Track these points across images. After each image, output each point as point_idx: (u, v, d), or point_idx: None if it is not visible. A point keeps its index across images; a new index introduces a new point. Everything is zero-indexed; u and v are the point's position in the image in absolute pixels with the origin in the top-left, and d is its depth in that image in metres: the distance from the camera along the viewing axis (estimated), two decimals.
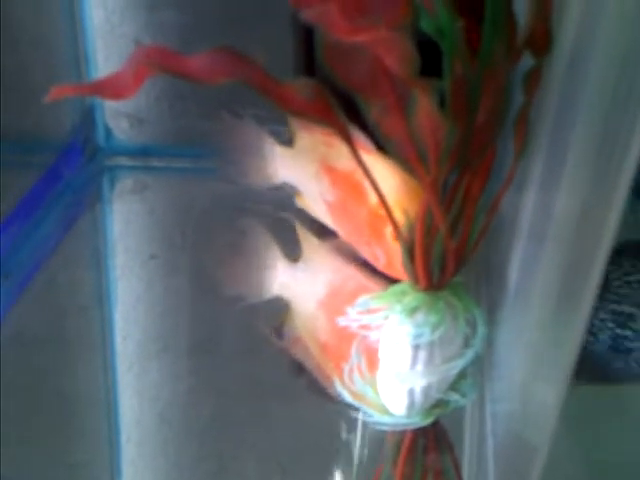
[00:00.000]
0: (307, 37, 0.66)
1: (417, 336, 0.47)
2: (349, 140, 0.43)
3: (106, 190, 0.84)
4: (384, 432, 0.67)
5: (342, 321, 0.51)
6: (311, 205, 0.67)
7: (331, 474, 0.81)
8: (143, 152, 0.84)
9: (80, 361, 0.81)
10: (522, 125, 0.43)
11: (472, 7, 0.40)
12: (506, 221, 0.50)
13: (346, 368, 0.53)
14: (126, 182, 0.85)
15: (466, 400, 0.51)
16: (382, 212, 0.54)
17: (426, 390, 0.49)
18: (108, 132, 0.83)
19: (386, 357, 0.50)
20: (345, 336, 0.57)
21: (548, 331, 0.36)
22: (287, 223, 0.72)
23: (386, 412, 0.52)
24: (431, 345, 0.48)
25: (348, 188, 0.59)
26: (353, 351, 0.53)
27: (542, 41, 0.40)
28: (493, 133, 0.42)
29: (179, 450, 0.78)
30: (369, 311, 0.50)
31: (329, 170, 0.61)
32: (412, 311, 0.48)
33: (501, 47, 0.40)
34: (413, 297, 0.48)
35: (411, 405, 0.50)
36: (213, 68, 0.40)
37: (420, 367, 0.48)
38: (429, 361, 0.48)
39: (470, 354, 0.49)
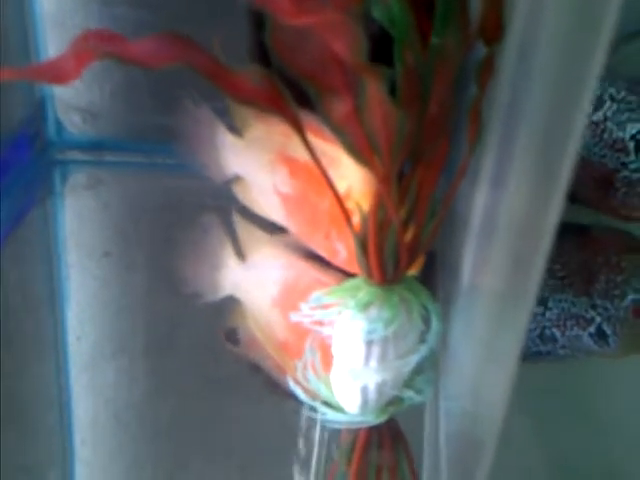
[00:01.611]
0: (260, 26, 0.65)
1: (370, 332, 0.47)
2: (300, 129, 0.42)
3: (57, 185, 0.83)
4: (340, 430, 0.67)
5: (295, 317, 0.50)
6: (256, 199, 0.66)
7: (289, 473, 0.80)
8: (96, 146, 0.83)
9: (31, 362, 0.79)
10: (475, 116, 0.42)
11: None
12: (460, 215, 0.50)
13: (299, 365, 0.52)
14: (78, 177, 0.83)
15: (421, 397, 0.50)
16: (348, 204, 0.54)
17: (380, 387, 0.49)
18: (59, 126, 0.81)
19: (339, 353, 0.49)
20: (305, 332, 0.56)
21: (495, 325, 0.35)
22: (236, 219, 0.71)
23: (340, 410, 0.51)
24: (385, 341, 0.47)
25: (308, 179, 0.59)
26: (307, 348, 0.52)
27: (494, 30, 0.40)
28: (445, 124, 0.42)
29: (135, 452, 0.77)
30: (322, 306, 0.50)
31: (288, 161, 0.60)
32: (365, 306, 0.47)
33: (453, 36, 0.39)
34: (366, 292, 0.47)
35: (365, 403, 0.49)
36: (158, 52, 0.39)
37: (373, 363, 0.48)
38: (382, 357, 0.48)
39: (424, 350, 0.48)
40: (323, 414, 0.51)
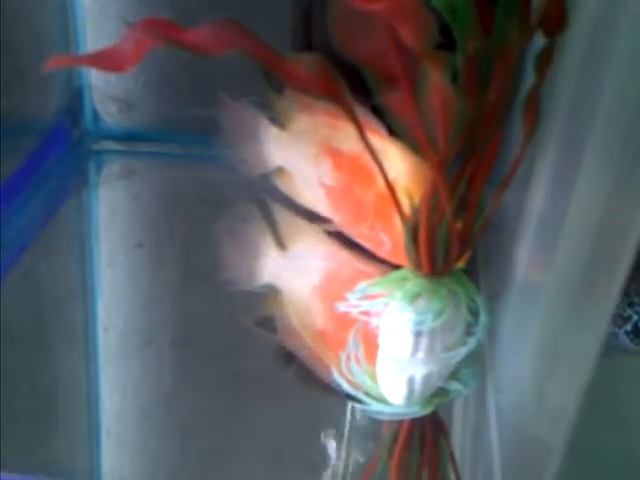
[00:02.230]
0: (305, 17, 0.65)
1: (418, 323, 0.47)
2: (354, 118, 0.42)
3: (92, 175, 0.83)
4: (375, 423, 0.66)
5: (341, 307, 0.50)
6: (300, 190, 0.66)
7: (318, 469, 0.80)
8: (131, 136, 0.83)
9: (61, 353, 0.80)
10: (532, 106, 0.42)
11: None
12: (508, 210, 0.49)
13: (343, 356, 0.52)
14: (113, 167, 0.84)
15: (467, 389, 0.50)
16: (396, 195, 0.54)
17: (426, 379, 0.49)
18: (96, 115, 0.81)
19: (386, 345, 0.49)
20: (345, 323, 0.56)
21: (565, 325, 0.35)
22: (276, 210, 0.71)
23: (384, 401, 0.51)
24: (432, 332, 0.47)
25: (353, 171, 0.59)
26: (350, 339, 0.52)
27: (556, 20, 0.39)
28: (503, 114, 0.42)
29: (160, 445, 0.77)
30: (369, 297, 0.50)
31: (333, 153, 0.60)
32: (413, 297, 0.47)
33: (514, 25, 0.39)
34: (415, 283, 0.47)
35: (410, 394, 0.49)
36: (216, 39, 0.39)
37: (421, 355, 0.48)
38: (430, 349, 0.48)
39: (472, 342, 0.48)
40: (367, 405, 0.51)
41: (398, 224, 0.54)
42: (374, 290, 0.49)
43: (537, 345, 0.39)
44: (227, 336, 0.81)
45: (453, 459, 0.52)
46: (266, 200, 0.72)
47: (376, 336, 0.51)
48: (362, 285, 0.50)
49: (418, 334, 0.47)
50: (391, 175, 0.54)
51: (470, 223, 0.46)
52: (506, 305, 0.48)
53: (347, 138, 0.60)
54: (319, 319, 0.59)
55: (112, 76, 0.82)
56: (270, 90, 0.67)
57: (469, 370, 0.50)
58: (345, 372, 0.52)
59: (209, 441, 0.83)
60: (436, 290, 0.47)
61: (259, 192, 0.73)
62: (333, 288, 0.61)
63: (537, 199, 0.42)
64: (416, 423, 0.52)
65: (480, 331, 0.48)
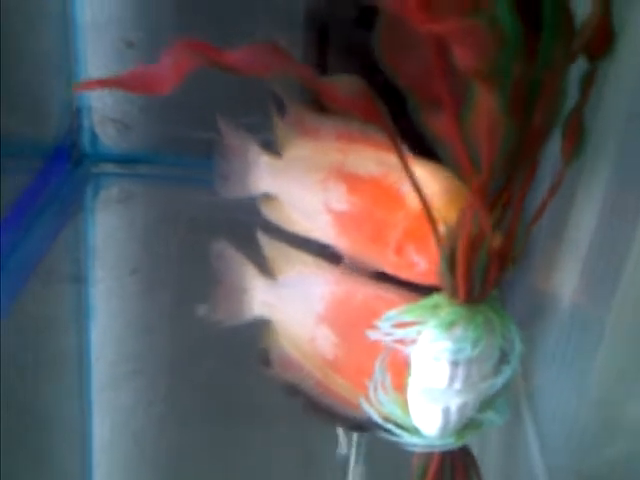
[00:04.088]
0: (319, 38, 0.66)
1: (456, 352, 0.46)
2: (395, 140, 0.42)
3: (90, 199, 0.82)
4: (383, 451, 0.66)
5: (373, 335, 0.49)
6: (293, 218, 0.66)
7: None
8: (129, 159, 0.82)
9: (54, 381, 0.78)
10: (574, 129, 0.42)
11: (527, 5, 0.39)
12: (541, 232, 0.50)
13: (370, 386, 0.52)
14: (111, 190, 0.83)
15: (501, 419, 0.50)
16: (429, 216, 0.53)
17: (461, 409, 0.48)
18: (94, 137, 0.81)
19: (420, 374, 0.48)
20: (362, 349, 0.56)
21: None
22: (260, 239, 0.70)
23: (417, 432, 0.50)
24: (469, 362, 0.47)
25: (374, 194, 0.58)
26: (377, 368, 0.52)
27: (602, 43, 0.40)
28: (546, 137, 0.42)
29: (152, 476, 0.76)
30: (401, 325, 0.49)
31: (345, 177, 0.60)
32: (449, 326, 0.47)
33: (560, 48, 0.39)
34: (450, 310, 0.47)
35: (445, 425, 0.49)
36: (256, 61, 0.39)
37: (458, 385, 0.47)
38: (467, 378, 0.47)
39: (508, 371, 0.48)
40: (398, 437, 0.50)
41: (434, 245, 0.54)
42: (406, 318, 0.49)
43: (598, 377, 0.39)
44: (222, 363, 0.80)
45: None
46: (250, 227, 0.71)
47: (403, 364, 0.51)
48: (393, 312, 0.50)
49: (455, 364, 0.47)
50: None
51: (508, 248, 0.45)
52: (544, 334, 0.48)
53: (363, 161, 0.59)
54: (328, 346, 0.59)
55: (110, 98, 0.82)
56: (275, 112, 0.67)
57: (502, 399, 0.50)
58: (373, 402, 0.52)
59: (201, 471, 0.82)
60: (472, 318, 0.47)
61: (255, 217, 0.72)
62: (344, 314, 0.60)
63: (585, 225, 0.42)
64: (447, 455, 0.51)
65: (515, 360, 0.48)
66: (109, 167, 0.83)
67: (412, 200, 0.56)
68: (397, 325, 0.49)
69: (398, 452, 0.66)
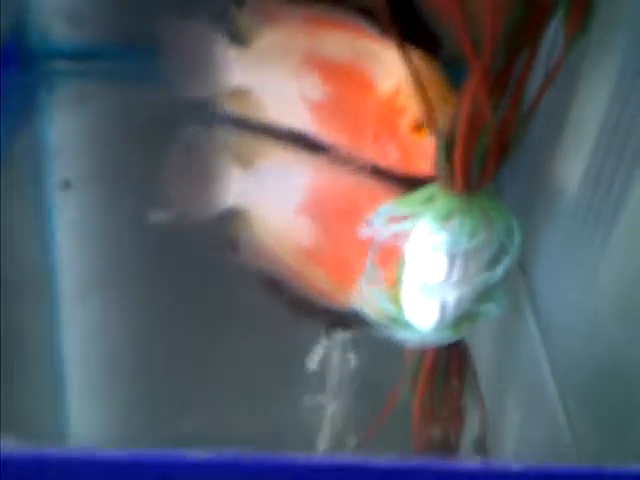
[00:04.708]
0: None
1: (453, 244, 0.45)
2: (392, 26, 0.40)
3: (44, 100, 0.78)
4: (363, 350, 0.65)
5: (366, 231, 0.48)
6: (269, 111, 0.63)
7: (308, 400, 0.79)
8: (83, 55, 0.78)
9: (21, 295, 0.76)
10: (580, 2, 0.40)
11: None
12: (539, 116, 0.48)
13: (361, 282, 0.51)
14: (66, 90, 0.79)
15: (498, 310, 0.49)
16: (397, 103, 0.52)
17: (459, 302, 0.48)
18: (43, 35, 0.76)
19: (415, 268, 0.48)
20: (342, 239, 0.55)
21: None
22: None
23: (411, 327, 0.50)
24: (467, 254, 0.46)
25: (346, 80, 0.56)
26: (368, 262, 0.51)
27: None
28: (551, 14, 0.40)
29: (126, 388, 0.75)
30: (394, 219, 0.48)
31: (318, 64, 0.58)
32: (446, 217, 0.45)
33: None
34: (446, 201, 0.46)
35: (442, 319, 0.48)
36: None
37: (455, 278, 0.47)
38: (464, 271, 0.47)
39: (507, 262, 0.47)
40: (392, 332, 0.50)
41: (405, 132, 0.53)
42: (400, 211, 0.48)
43: (612, 269, 0.38)
44: (195, 266, 0.78)
45: (478, 385, 0.52)
46: (219, 122, 0.68)
47: (395, 258, 0.50)
48: (386, 206, 0.48)
49: (452, 256, 0.46)
50: (391, 82, 0.52)
51: (507, 137, 0.44)
52: (545, 224, 0.47)
53: (333, 46, 0.57)
54: (307, 237, 0.57)
55: None
56: (232, 4, 0.63)
57: (500, 291, 0.50)
58: (364, 298, 0.51)
59: (177, 380, 0.82)
60: (470, 209, 0.46)
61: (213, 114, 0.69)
62: (324, 204, 0.59)
63: (592, 112, 0.40)
64: (441, 349, 0.51)
65: (514, 251, 0.47)
66: (62, 65, 0.78)
67: (382, 86, 0.54)
68: (391, 219, 0.48)
69: (383, 348, 0.66)
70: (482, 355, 0.54)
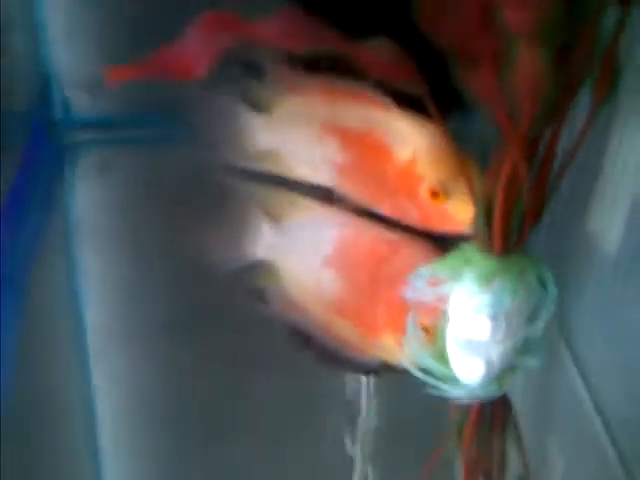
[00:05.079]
0: None
1: (495, 305, 0.48)
2: (431, 102, 0.42)
3: (68, 170, 0.80)
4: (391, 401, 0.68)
5: (409, 294, 0.50)
6: (297, 169, 0.66)
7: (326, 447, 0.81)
8: (107, 124, 0.80)
9: (52, 355, 0.78)
10: (607, 67, 0.43)
11: None
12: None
13: (404, 342, 0.53)
14: (90, 159, 0.81)
15: (539, 361, 0.52)
16: (415, 171, 0.54)
17: (502, 357, 0.50)
18: (66, 105, 0.78)
19: (459, 328, 0.50)
20: (365, 291, 0.57)
21: None
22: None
23: (457, 384, 0.52)
24: (508, 312, 0.48)
25: (364, 149, 0.58)
26: (409, 324, 0.53)
27: None
28: (581, 85, 0.43)
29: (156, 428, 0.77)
30: (435, 281, 0.50)
31: (337, 131, 0.60)
32: (487, 279, 0.48)
33: None
34: (486, 264, 0.48)
35: (487, 374, 0.50)
36: (290, 32, 0.38)
37: (499, 336, 0.49)
38: (507, 328, 0.49)
39: (546, 315, 0.50)
40: (439, 389, 0.52)
41: (424, 199, 0.55)
42: (439, 273, 0.50)
43: None
44: (224, 322, 0.80)
45: (521, 438, 0.54)
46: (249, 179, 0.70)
47: (433, 317, 0.52)
48: (426, 268, 0.51)
49: (495, 317, 0.48)
50: (408, 150, 0.54)
51: (542, 198, 0.47)
52: (580, 278, 0.49)
53: (351, 114, 0.59)
54: (333, 289, 0.59)
55: (74, 57, 0.79)
56: (248, 78, 0.66)
57: (538, 342, 0.52)
58: (409, 358, 0.53)
59: (203, 419, 0.84)
60: (509, 269, 0.48)
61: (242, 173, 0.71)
62: (349, 256, 0.61)
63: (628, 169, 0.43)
64: (486, 403, 0.53)
65: (551, 304, 0.50)
66: (86, 135, 0.80)
67: (399, 155, 0.56)
68: (431, 281, 0.50)
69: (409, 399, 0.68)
70: (524, 404, 0.56)
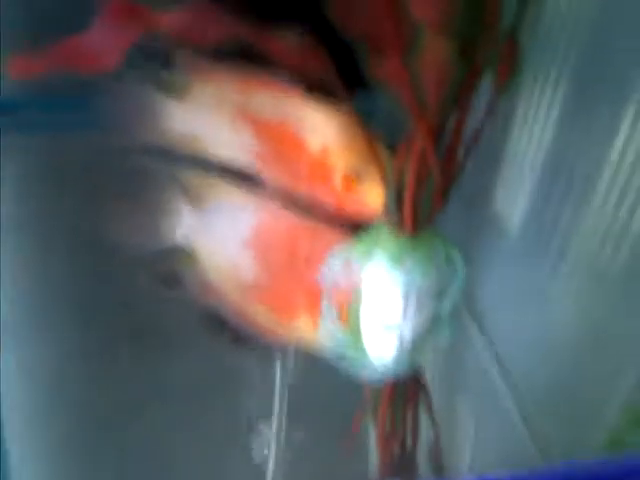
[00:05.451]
0: None
1: (407, 284, 0.50)
2: (341, 87, 0.43)
3: None
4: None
5: (324, 276, 0.52)
6: (216, 153, 0.66)
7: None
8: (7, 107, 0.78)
9: None
10: (510, 52, 0.45)
11: None
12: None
13: (320, 325, 0.54)
14: None
15: (447, 338, 0.54)
16: (328, 160, 0.55)
17: (413, 335, 0.52)
18: None
19: (371, 307, 0.51)
20: (282, 274, 0.58)
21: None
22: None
23: (370, 363, 0.54)
24: (419, 290, 0.50)
25: (278, 139, 0.59)
26: (324, 305, 0.54)
27: None
28: (484, 70, 0.45)
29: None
30: (348, 263, 0.52)
31: (251, 120, 0.60)
32: (399, 258, 0.50)
33: None
34: (397, 243, 0.50)
35: (400, 351, 0.52)
36: (199, 25, 0.39)
37: (410, 313, 0.51)
38: (418, 306, 0.51)
39: (455, 293, 0.52)
40: (355, 368, 0.54)
41: (337, 188, 0.56)
42: (353, 254, 0.52)
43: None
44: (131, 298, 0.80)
45: (432, 409, 0.57)
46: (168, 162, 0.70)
47: (346, 298, 0.54)
48: (340, 250, 0.52)
49: (407, 295, 0.50)
50: (319, 139, 0.56)
51: (450, 180, 0.49)
52: (487, 256, 0.52)
53: (264, 105, 0.60)
54: (250, 273, 0.60)
55: None
56: (156, 64, 0.65)
57: (448, 319, 0.54)
58: (324, 338, 0.54)
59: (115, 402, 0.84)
60: (419, 248, 0.50)
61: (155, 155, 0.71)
62: (266, 241, 0.61)
63: (532, 146, 0.45)
64: (399, 381, 0.55)
65: (460, 281, 0.52)
66: None
67: (311, 145, 0.57)
68: (345, 264, 0.52)
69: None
70: (435, 376, 0.58)
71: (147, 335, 0.86)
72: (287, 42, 0.41)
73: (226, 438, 0.92)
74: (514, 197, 0.50)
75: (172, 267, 0.64)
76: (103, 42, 0.37)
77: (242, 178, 0.63)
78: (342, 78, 0.45)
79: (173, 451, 0.94)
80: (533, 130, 0.47)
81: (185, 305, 0.64)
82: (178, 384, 0.88)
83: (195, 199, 0.64)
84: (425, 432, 0.57)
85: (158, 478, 0.95)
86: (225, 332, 0.65)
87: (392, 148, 0.50)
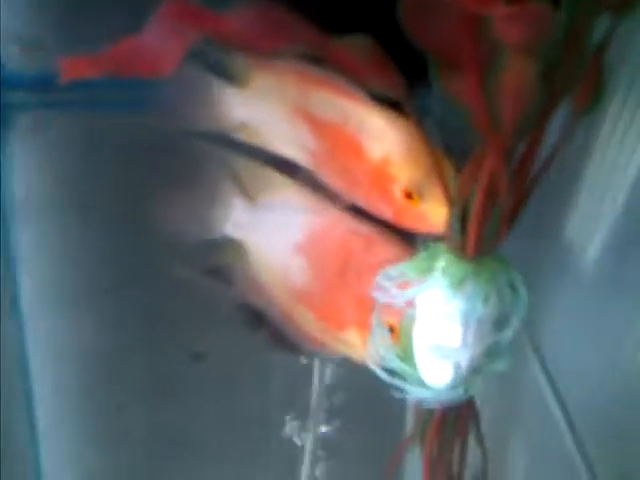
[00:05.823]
0: None
1: (467, 311, 0.47)
2: (410, 98, 0.41)
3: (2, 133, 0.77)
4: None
5: (381, 297, 0.50)
6: (274, 145, 0.64)
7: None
8: (43, 84, 0.76)
9: None
10: (590, 82, 0.42)
11: None
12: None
13: (370, 342, 0.52)
14: (25, 121, 0.77)
15: (506, 366, 0.52)
16: (388, 170, 0.53)
17: (471, 362, 0.50)
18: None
19: (428, 332, 0.49)
20: (333, 285, 0.56)
21: None
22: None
23: (423, 386, 0.52)
24: (480, 317, 0.48)
25: (336, 141, 0.57)
26: (375, 322, 0.52)
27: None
28: (564, 95, 0.42)
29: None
30: (403, 284, 0.49)
31: (308, 118, 0.58)
32: (460, 284, 0.47)
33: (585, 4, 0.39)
34: (459, 268, 0.47)
35: (455, 378, 0.50)
36: (262, 29, 0.36)
37: (469, 341, 0.48)
38: (478, 334, 0.48)
39: (517, 320, 0.49)
40: (406, 391, 0.51)
41: (397, 199, 0.54)
42: (409, 275, 0.49)
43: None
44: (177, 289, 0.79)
45: (482, 439, 0.55)
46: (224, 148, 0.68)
47: (399, 318, 0.52)
48: (395, 269, 0.50)
49: (466, 322, 0.48)
50: (380, 148, 0.53)
51: (519, 205, 0.46)
52: (552, 284, 0.49)
53: (324, 104, 0.57)
54: (300, 277, 0.58)
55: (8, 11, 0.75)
56: (215, 49, 0.63)
57: (507, 347, 0.52)
58: (375, 359, 0.52)
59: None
60: (481, 273, 0.47)
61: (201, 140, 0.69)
62: (318, 247, 0.59)
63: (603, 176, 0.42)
64: (450, 406, 0.53)
65: (522, 309, 0.49)
66: (21, 95, 0.76)
67: (372, 153, 0.55)
68: (399, 282, 0.50)
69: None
70: (487, 405, 0.56)
71: (183, 319, 0.85)
72: (354, 52, 0.38)
73: (260, 429, 0.91)
74: (590, 228, 0.47)
75: (220, 260, 0.62)
76: (160, 45, 0.35)
77: (298, 175, 0.61)
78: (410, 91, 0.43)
79: (204, 436, 0.94)
80: (617, 159, 0.44)
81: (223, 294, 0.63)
82: (214, 367, 0.87)
83: (249, 192, 0.62)
84: (473, 461, 0.54)
85: (188, 460, 0.95)
86: (262, 329, 0.63)
87: (457, 166, 0.47)
